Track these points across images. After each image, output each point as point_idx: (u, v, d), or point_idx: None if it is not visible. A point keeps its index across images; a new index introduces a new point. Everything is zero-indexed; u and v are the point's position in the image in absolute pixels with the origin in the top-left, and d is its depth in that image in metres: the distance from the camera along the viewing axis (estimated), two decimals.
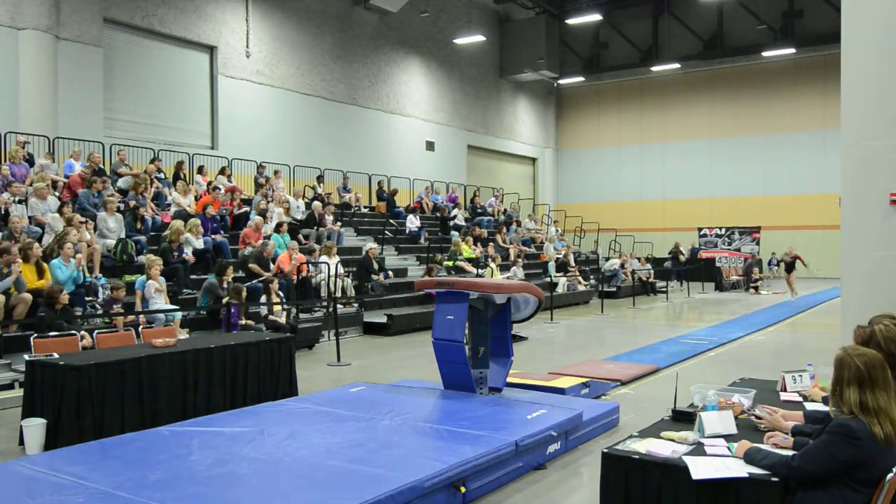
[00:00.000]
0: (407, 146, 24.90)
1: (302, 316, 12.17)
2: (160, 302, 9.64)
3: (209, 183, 15.13)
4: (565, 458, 5.61)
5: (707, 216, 30.15)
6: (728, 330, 13.26)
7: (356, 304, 13.44)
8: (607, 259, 23.55)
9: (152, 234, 12.04)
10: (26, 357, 7.07)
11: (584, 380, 7.71)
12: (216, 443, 5.07)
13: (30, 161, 12.68)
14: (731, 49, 28.09)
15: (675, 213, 30.45)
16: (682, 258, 25.31)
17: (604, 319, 15.69)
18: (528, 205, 29.31)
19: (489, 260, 17.40)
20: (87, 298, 9.28)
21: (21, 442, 5.77)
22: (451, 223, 20.61)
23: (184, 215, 12.63)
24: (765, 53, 27.29)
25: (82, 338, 7.73)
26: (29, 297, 8.47)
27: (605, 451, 3.52)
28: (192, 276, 11.34)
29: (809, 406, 4.15)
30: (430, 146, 26.10)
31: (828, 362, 3.45)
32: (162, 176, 14.69)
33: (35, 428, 5.68)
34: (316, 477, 4.36)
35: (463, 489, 4.51)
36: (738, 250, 29.11)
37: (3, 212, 10.44)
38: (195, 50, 18.26)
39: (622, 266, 21.90)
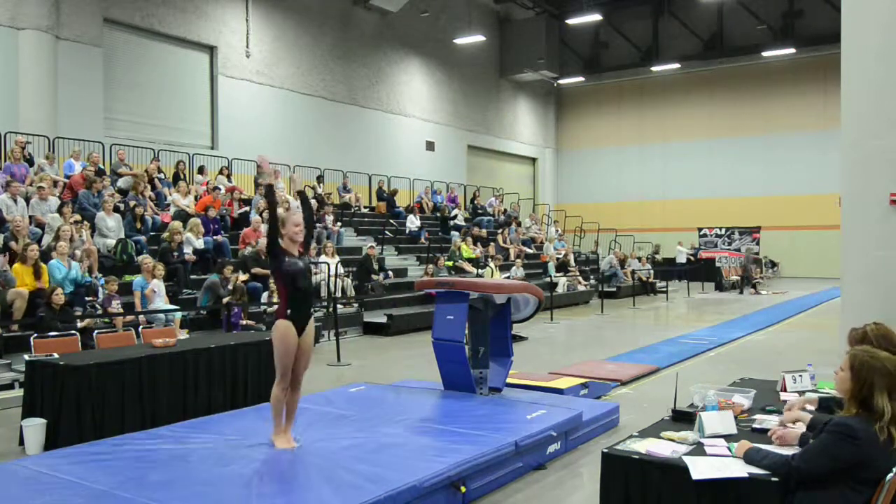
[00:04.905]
0: (407, 146, 24.88)
1: None
2: (160, 302, 9.65)
3: (207, 182, 15.11)
4: (565, 458, 5.61)
5: (707, 216, 30.12)
6: (728, 330, 13.25)
7: (356, 304, 13.44)
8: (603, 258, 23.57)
9: (152, 234, 12.04)
10: (26, 357, 7.07)
11: (584, 380, 7.70)
12: (216, 443, 5.08)
13: (29, 161, 12.67)
14: (731, 49, 28.05)
15: (675, 213, 30.42)
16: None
17: (604, 319, 15.68)
18: (528, 205, 29.28)
19: (489, 260, 17.40)
20: (87, 298, 9.28)
21: (21, 442, 5.77)
22: (451, 223, 20.61)
23: (184, 215, 12.64)
24: (765, 53, 27.25)
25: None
26: (25, 291, 8.46)
27: (605, 451, 3.52)
28: (192, 276, 11.34)
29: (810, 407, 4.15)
30: (429, 146, 26.08)
31: (828, 362, 3.45)
32: (162, 176, 14.68)
33: (35, 428, 5.68)
34: (316, 477, 4.35)
35: (463, 489, 4.51)
36: (738, 250, 29.10)
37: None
38: (195, 50, 18.25)
39: (622, 265, 21.87)
